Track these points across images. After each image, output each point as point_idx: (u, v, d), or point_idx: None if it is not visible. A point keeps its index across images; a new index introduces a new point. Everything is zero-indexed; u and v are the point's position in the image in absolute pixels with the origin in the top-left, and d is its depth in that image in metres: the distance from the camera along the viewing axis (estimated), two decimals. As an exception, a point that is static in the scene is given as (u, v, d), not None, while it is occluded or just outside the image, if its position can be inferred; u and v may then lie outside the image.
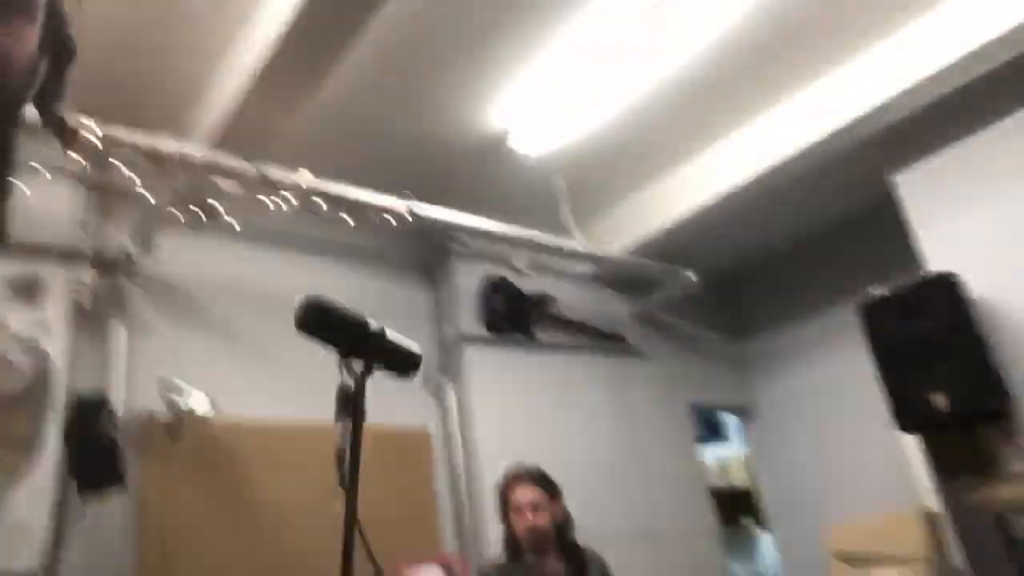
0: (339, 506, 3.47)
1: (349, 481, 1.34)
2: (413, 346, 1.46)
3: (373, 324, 1.40)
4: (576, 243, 4.16)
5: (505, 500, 2.82)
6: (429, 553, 3.67)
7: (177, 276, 3.51)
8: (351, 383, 1.37)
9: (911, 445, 4.36)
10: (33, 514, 2.74)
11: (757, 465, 5.47)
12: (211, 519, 3.14)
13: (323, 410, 3.61)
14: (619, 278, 4.83)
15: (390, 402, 3.90)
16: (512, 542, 2.83)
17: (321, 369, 3.83)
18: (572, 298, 4.65)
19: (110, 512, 2.88)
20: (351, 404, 1.37)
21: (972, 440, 3.41)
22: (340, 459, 1.36)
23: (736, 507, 5.76)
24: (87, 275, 3.15)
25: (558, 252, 4.18)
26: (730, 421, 6.02)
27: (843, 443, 4.78)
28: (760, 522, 5.77)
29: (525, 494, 2.78)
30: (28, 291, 3.01)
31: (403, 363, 1.45)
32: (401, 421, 3.88)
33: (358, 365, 1.39)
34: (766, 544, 5.78)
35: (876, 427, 4.53)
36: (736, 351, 5.48)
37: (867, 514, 4.38)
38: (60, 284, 3.10)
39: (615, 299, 4.93)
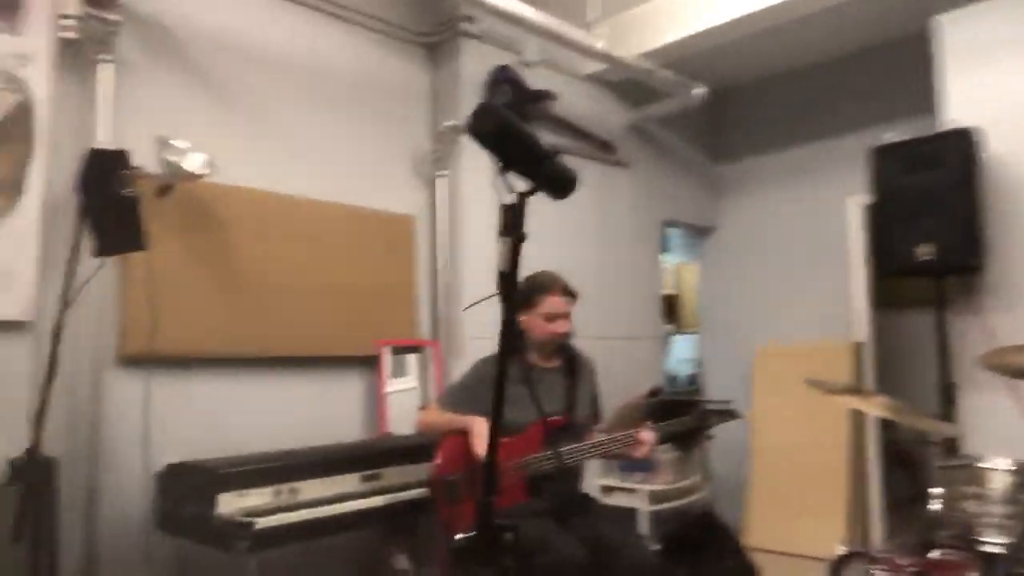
0: (317, 276, 3.35)
1: (508, 298, 1.30)
2: (571, 169, 1.38)
3: (545, 146, 1.32)
4: (595, 39, 3.89)
5: (531, 302, 2.87)
6: (405, 337, 3.74)
7: (173, 19, 3.13)
8: (514, 201, 1.31)
9: (857, 281, 4.66)
10: (18, 261, 2.58)
11: (703, 279, 5.68)
12: (197, 278, 3.06)
13: (310, 189, 3.48)
14: (624, 84, 4.62)
15: (379, 187, 3.83)
16: (517, 338, 2.93)
17: (316, 150, 3.64)
18: (572, 99, 4.45)
19: (93, 267, 2.75)
20: (513, 223, 1.31)
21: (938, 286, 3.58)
22: (503, 277, 1.31)
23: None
24: (72, 4, 2.73)
25: (574, 46, 3.91)
26: (672, 234, 6.21)
27: (790, 271, 5.01)
28: (680, 327, 6.23)
29: (562, 304, 2.90)
30: (6, 16, 2.60)
31: (563, 186, 1.39)
32: (388, 207, 3.77)
33: (520, 183, 1.32)
34: (681, 347, 6.28)
35: (822, 260, 4.80)
36: (710, 172, 5.49)
37: (800, 338, 4.76)
38: (45, 12, 2.70)
39: (614, 106, 4.75)
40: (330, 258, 3.47)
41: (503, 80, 4.11)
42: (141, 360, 2.88)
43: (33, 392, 2.51)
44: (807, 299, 4.91)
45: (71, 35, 2.72)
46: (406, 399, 3.65)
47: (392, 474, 3.05)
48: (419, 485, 2.95)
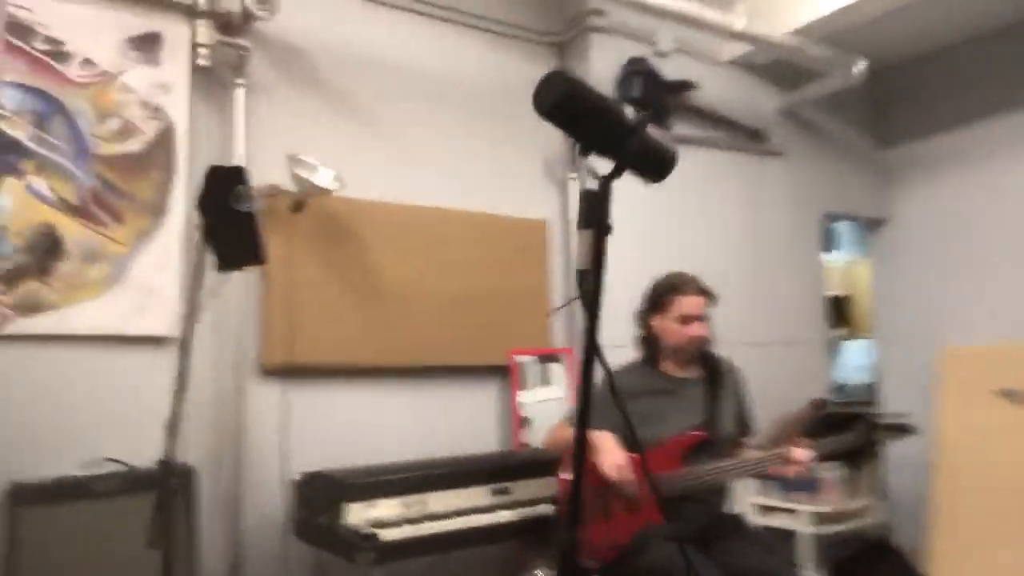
0: (450, 286, 3.29)
1: (591, 301, 1.14)
2: (667, 144, 1.19)
3: (629, 116, 1.13)
4: (734, 20, 3.61)
5: (663, 305, 2.68)
6: (539, 345, 3.63)
7: (301, 39, 3.22)
8: (595, 188, 1.14)
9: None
10: (162, 279, 2.73)
11: (876, 277, 5.15)
12: (331, 291, 3.12)
13: (438, 198, 3.42)
14: (772, 66, 4.28)
15: (510, 192, 3.76)
16: (651, 345, 2.74)
17: (443, 159, 3.58)
18: (714, 87, 4.16)
19: (232, 281, 2.87)
20: (595, 213, 1.14)
21: None
22: (583, 277, 1.15)
23: (832, 314, 5.63)
24: (206, 33, 2.87)
25: (712, 29, 3.65)
26: (843, 229, 5.69)
27: (974, 266, 4.42)
28: (853, 331, 5.68)
29: (697, 305, 2.66)
30: (148, 49, 2.78)
31: (657, 166, 1.19)
32: (520, 212, 3.69)
33: (603, 164, 1.14)
34: (854, 352, 5.72)
35: (1016, 250, 4.19)
36: (877, 157, 4.95)
37: (992, 341, 4.17)
38: (180, 42, 2.87)
39: (762, 91, 4.40)
40: (462, 267, 3.44)
41: (636, 73, 3.92)
42: (280, 371, 2.97)
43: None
44: (999, 296, 4.29)
45: (206, 63, 2.85)
46: (551, 409, 3.53)
47: (524, 488, 2.94)
48: (552, 500, 2.83)
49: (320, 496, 2.70)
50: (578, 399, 1.21)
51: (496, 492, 2.88)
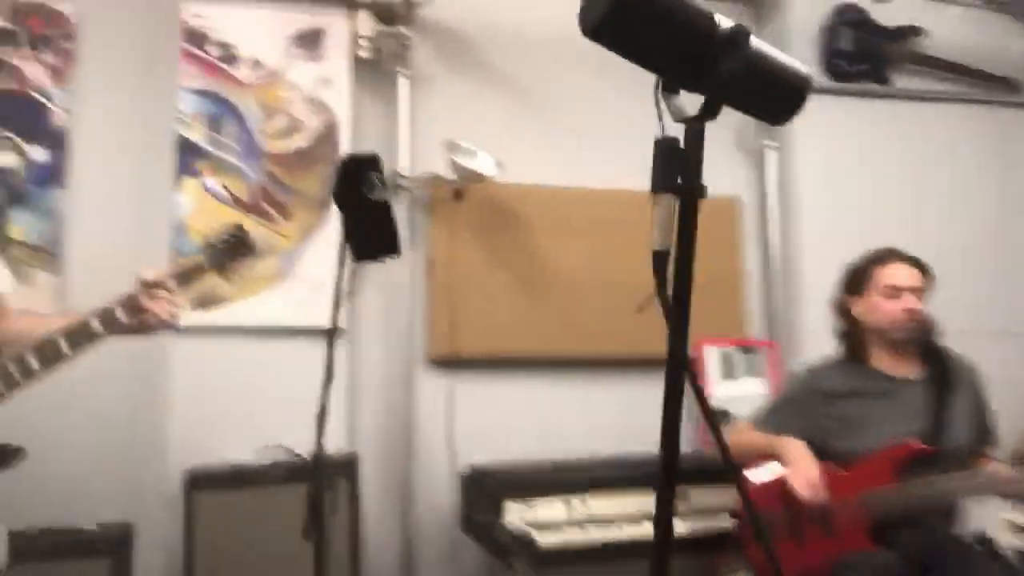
0: (622, 272, 2.99)
1: (673, 295, 0.86)
2: (793, 65, 0.83)
3: (723, 23, 0.79)
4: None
5: (863, 282, 2.26)
6: (732, 335, 3.27)
7: (463, 24, 3.13)
8: (677, 135, 0.82)
9: None
10: (328, 272, 2.76)
11: None
12: (496, 280, 3.01)
13: (605, 178, 3.14)
14: (1024, -2, 3.55)
15: (695, 166, 3.38)
16: (855, 337, 2.31)
17: (609, 135, 3.26)
18: (948, 30, 3.51)
19: (400, 272, 2.86)
20: (676, 169, 0.82)
21: None
22: (659, 260, 0.85)
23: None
24: (368, 25, 2.88)
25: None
26: None
27: None
28: None
29: (906, 274, 2.23)
30: (310, 45, 2.84)
31: (774, 97, 0.82)
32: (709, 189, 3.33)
33: (690, 101, 0.82)
34: None
35: None
36: None
37: None
38: (341, 36, 2.90)
39: (1011, 31, 3.65)
40: (636, 251, 3.15)
41: (847, 23, 3.42)
42: (446, 362, 2.92)
43: (347, 395, 2.70)
44: None
45: (368, 54, 2.86)
46: (748, 406, 3.16)
47: (704, 495, 2.63)
48: (733, 512, 2.49)
49: (481, 492, 2.60)
50: (665, 422, 0.91)
51: (671, 498, 2.59)
